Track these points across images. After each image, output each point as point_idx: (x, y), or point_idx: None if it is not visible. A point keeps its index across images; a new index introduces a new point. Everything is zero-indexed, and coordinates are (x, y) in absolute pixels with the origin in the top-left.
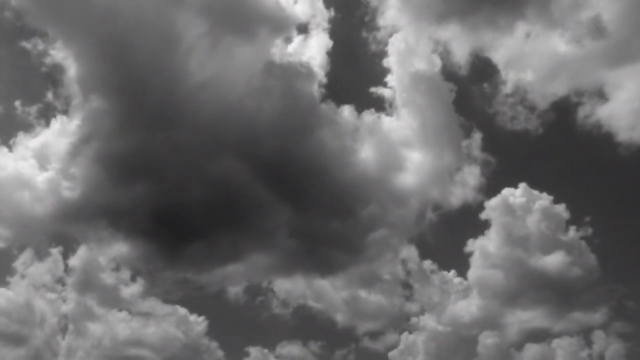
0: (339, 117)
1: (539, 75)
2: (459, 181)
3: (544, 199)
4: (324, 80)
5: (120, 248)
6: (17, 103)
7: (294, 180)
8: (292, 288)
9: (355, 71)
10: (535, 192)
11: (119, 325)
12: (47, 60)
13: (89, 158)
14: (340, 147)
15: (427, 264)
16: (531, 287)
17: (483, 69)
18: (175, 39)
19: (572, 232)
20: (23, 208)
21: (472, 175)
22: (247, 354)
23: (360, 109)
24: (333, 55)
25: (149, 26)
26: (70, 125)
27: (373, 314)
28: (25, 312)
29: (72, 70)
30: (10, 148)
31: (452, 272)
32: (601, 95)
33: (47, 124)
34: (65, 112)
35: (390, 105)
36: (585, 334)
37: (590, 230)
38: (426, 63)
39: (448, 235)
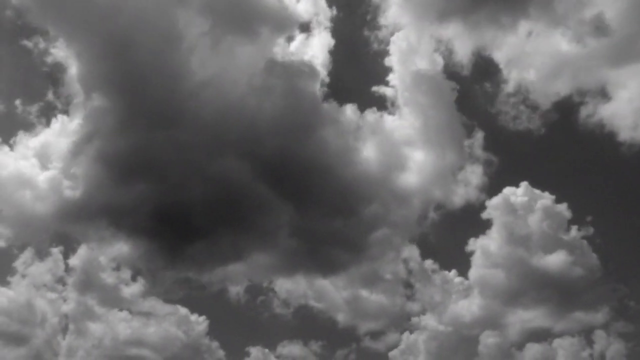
0: (341, 116)
1: (541, 74)
2: (461, 180)
3: (545, 199)
4: (326, 79)
5: (121, 247)
6: (18, 102)
7: (296, 180)
8: (293, 288)
9: (358, 70)
10: (537, 192)
11: (120, 325)
12: (48, 59)
13: (90, 157)
14: (342, 146)
15: (429, 263)
16: (532, 286)
17: (485, 68)
18: (177, 38)
19: (574, 231)
20: (24, 207)
21: (474, 175)
22: (248, 354)
23: (362, 108)
24: (335, 54)
25: (151, 25)
26: (72, 124)
27: (374, 314)
28: (26, 311)
29: (73, 69)
30: (11, 147)
31: (453, 272)
32: (604, 95)
33: (48, 122)
34: (66, 111)
35: (393, 104)
36: (586, 334)
37: (591, 230)
38: (428, 62)
39: (450, 234)
